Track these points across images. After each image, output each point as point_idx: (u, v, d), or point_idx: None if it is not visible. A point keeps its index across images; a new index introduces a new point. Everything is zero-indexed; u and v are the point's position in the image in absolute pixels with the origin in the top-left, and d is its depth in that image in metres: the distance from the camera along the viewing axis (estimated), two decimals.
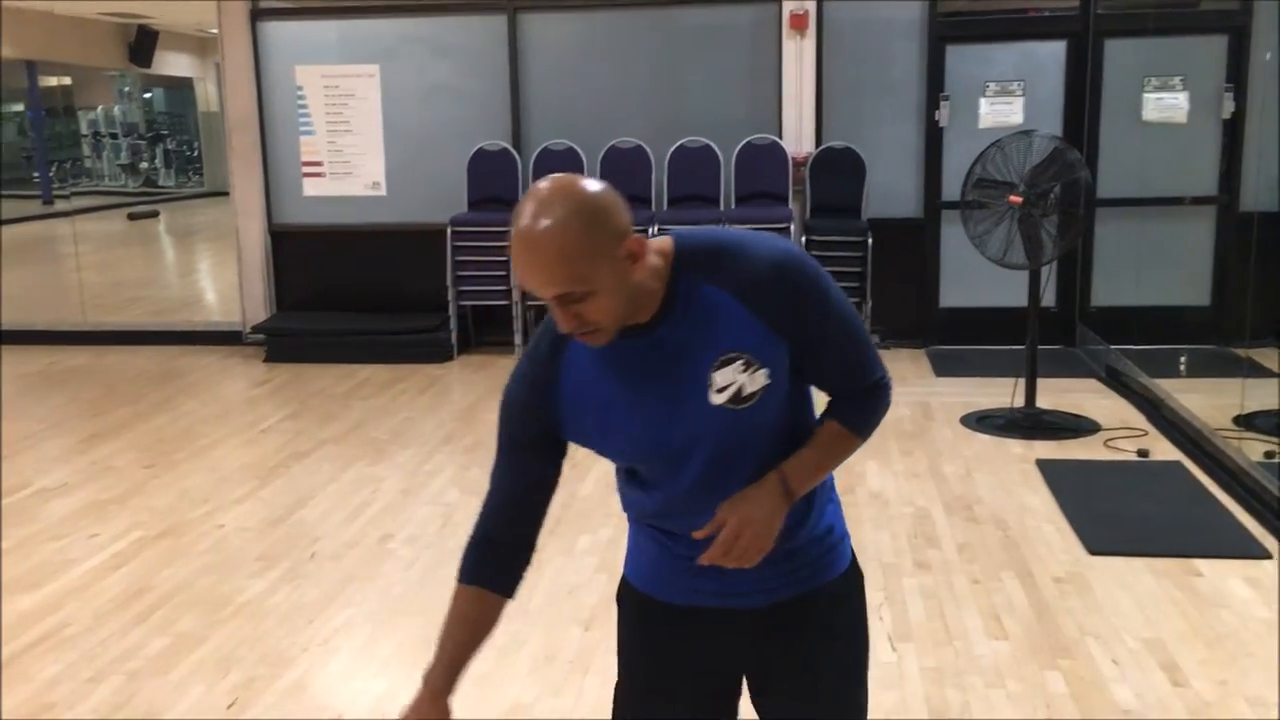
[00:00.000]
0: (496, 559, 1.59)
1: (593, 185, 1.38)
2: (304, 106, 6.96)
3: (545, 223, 1.34)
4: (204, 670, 3.10)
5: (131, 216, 14.15)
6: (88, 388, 6.25)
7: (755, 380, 1.49)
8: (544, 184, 1.38)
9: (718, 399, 1.49)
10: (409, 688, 2.95)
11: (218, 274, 11.19)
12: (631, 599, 1.71)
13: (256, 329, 6.93)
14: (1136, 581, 3.52)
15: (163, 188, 15.38)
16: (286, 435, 5.26)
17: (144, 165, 15.26)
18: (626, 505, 1.68)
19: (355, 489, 4.51)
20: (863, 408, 1.62)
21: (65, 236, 13.64)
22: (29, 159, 14.80)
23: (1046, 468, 4.53)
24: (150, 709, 2.91)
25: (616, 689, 1.76)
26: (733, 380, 1.48)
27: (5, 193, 14.64)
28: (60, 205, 14.71)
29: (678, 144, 6.67)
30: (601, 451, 1.57)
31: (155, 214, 14.39)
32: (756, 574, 1.58)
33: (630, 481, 1.63)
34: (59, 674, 3.09)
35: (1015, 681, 2.96)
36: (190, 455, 4.99)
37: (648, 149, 6.68)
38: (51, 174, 14.01)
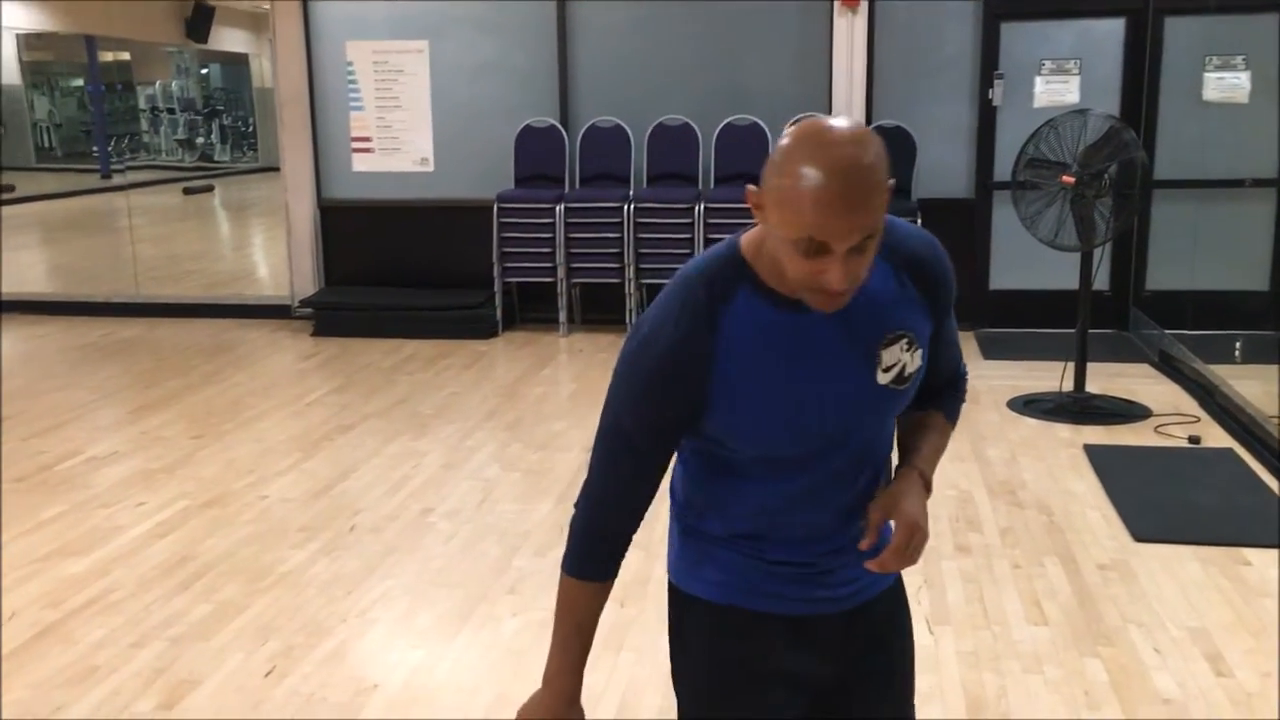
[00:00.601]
0: (616, 553, 1.51)
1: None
2: (354, 82, 6.99)
3: (868, 158, 1.22)
4: (244, 638, 3.14)
5: (187, 191, 14.34)
6: (139, 359, 6.35)
7: (914, 360, 1.43)
8: (834, 123, 1.25)
9: (884, 378, 1.40)
10: (446, 659, 3.00)
11: (270, 248, 11.31)
12: (707, 615, 1.53)
13: (305, 303, 7.00)
14: (1182, 569, 3.46)
15: (218, 163, 15.56)
16: (332, 408, 5.31)
17: (200, 140, 15.45)
18: (703, 510, 1.52)
19: (397, 463, 4.54)
20: (957, 398, 1.61)
21: (121, 210, 13.85)
22: (88, 133, 15.04)
23: (1094, 453, 4.46)
24: (190, 674, 2.95)
25: (691, 709, 1.59)
26: (898, 359, 1.41)
27: (65, 166, 14.90)
28: (117, 179, 14.93)
29: (725, 121, 6.62)
30: (739, 441, 1.42)
31: (210, 188, 14.57)
32: (848, 573, 1.51)
33: (726, 480, 1.48)
34: (104, 638, 3.14)
35: (1054, 667, 2.92)
36: (237, 426, 5.06)
37: (695, 126, 6.64)
38: (110, 148, 14.24)
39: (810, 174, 1.21)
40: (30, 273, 9.74)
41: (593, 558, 1.49)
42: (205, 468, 4.52)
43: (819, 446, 1.43)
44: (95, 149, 14.37)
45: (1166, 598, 3.28)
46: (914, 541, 1.42)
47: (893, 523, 1.45)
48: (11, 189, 13.48)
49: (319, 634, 3.16)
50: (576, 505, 1.52)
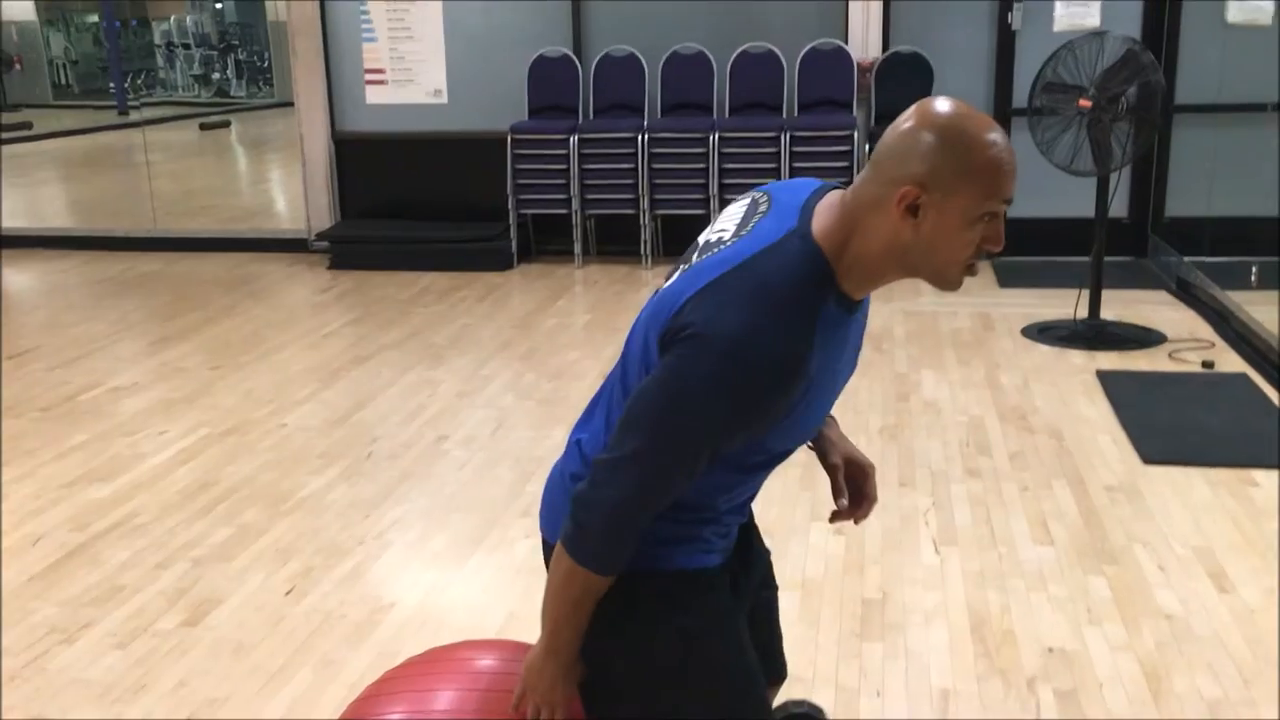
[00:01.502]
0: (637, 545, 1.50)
1: None
2: (366, 12, 6.95)
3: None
4: (264, 560, 3.22)
5: (203, 126, 14.32)
6: (158, 293, 6.41)
7: None
8: (957, 103, 1.36)
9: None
10: (459, 579, 3.07)
11: (286, 183, 11.32)
12: (697, 584, 1.56)
13: (321, 236, 7.03)
14: (1190, 491, 3.48)
15: (234, 98, 15.51)
16: (348, 340, 5.37)
17: (216, 76, 15.39)
18: (709, 495, 1.52)
19: (414, 392, 4.60)
20: None
21: (138, 146, 13.85)
22: (104, 70, 15.02)
23: (1107, 379, 4.47)
24: (213, 593, 3.03)
25: (717, 676, 1.58)
26: None
27: (82, 103, 14.90)
28: (134, 116, 14.91)
29: (740, 50, 6.56)
30: (776, 441, 1.46)
31: (227, 124, 14.55)
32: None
33: (742, 470, 1.50)
34: (128, 559, 3.23)
35: (1058, 585, 2.96)
36: (256, 358, 5.12)
37: (710, 55, 6.58)
38: (126, 85, 14.21)
39: (995, 151, 1.32)
40: (50, 208, 9.81)
41: (622, 557, 1.46)
42: (225, 398, 4.59)
43: (812, 434, 1.56)
44: (112, 85, 14.35)
45: (1173, 518, 3.31)
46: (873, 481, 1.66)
47: (842, 466, 1.67)
48: (29, 126, 13.50)
49: (337, 555, 3.24)
50: (602, 502, 1.43)
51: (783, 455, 1.52)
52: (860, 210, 1.37)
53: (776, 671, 1.86)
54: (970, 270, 1.39)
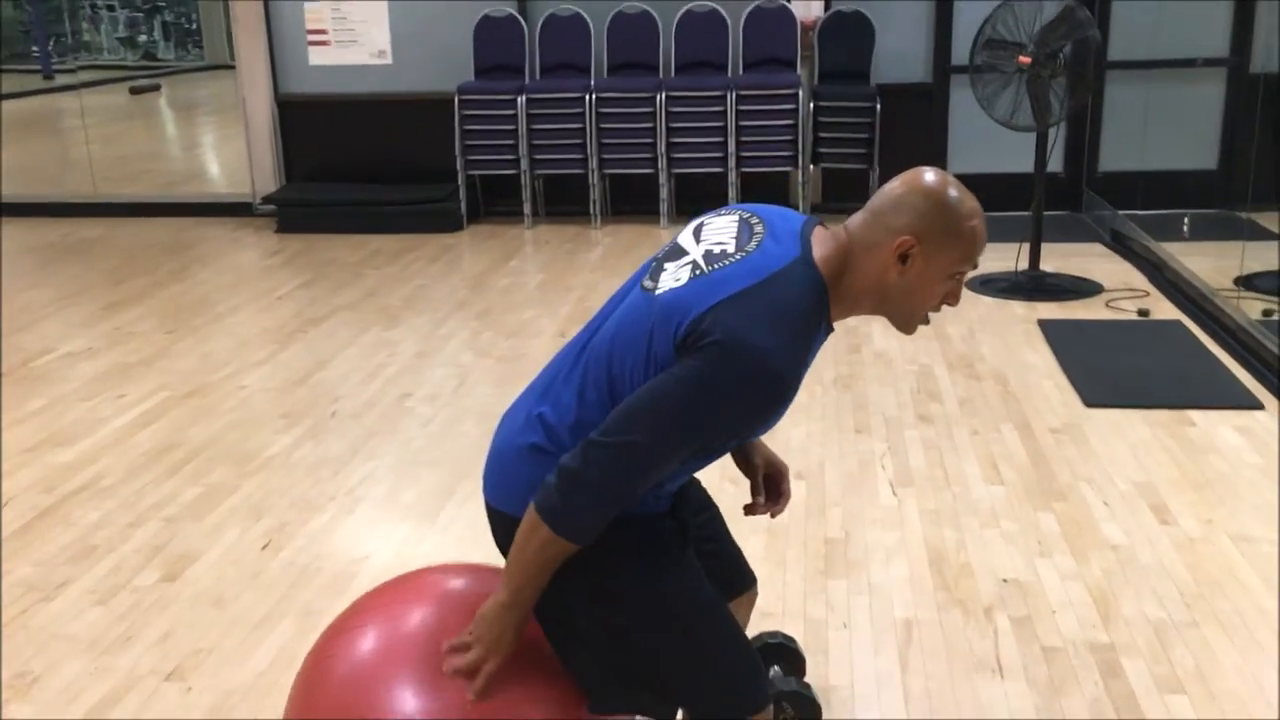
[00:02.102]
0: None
1: None
2: None
3: None
4: (237, 516, 3.26)
5: (133, 90, 14.01)
6: (103, 258, 6.33)
7: None
8: (947, 176, 1.60)
9: None
10: (433, 531, 3.13)
11: (223, 147, 11.16)
12: (644, 526, 1.68)
13: (267, 200, 6.97)
14: (1131, 431, 3.65)
15: (162, 60, 15.18)
16: (302, 302, 5.37)
17: (142, 38, 15.04)
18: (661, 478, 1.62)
19: (372, 352, 4.63)
20: None
21: (68, 110, 13.52)
22: (27, 33, 14.59)
23: (1048, 327, 4.63)
24: (189, 550, 3.07)
25: (677, 606, 1.68)
26: None
27: (6, 68, 14.48)
28: (60, 80, 14.54)
29: (685, 9, 6.60)
30: (753, 435, 1.68)
31: (157, 87, 14.25)
32: None
33: (702, 459, 1.63)
34: (100, 519, 3.25)
35: (1010, 522, 3.10)
36: (209, 321, 5.10)
37: (654, 14, 6.62)
38: (50, 48, 13.84)
39: (977, 222, 1.57)
40: None
41: (600, 529, 1.54)
42: (181, 361, 4.58)
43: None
44: (36, 49, 13.97)
45: (1115, 457, 3.47)
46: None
47: (762, 467, 1.90)
48: None
49: (309, 511, 3.28)
50: (595, 483, 1.50)
51: (720, 452, 1.68)
52: (859, 249, 1.58)
53: (744, 579, 1.96)
54: (926, 320, 1.65)
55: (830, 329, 1.62)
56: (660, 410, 1.48)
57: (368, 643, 1.69)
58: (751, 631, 2.47)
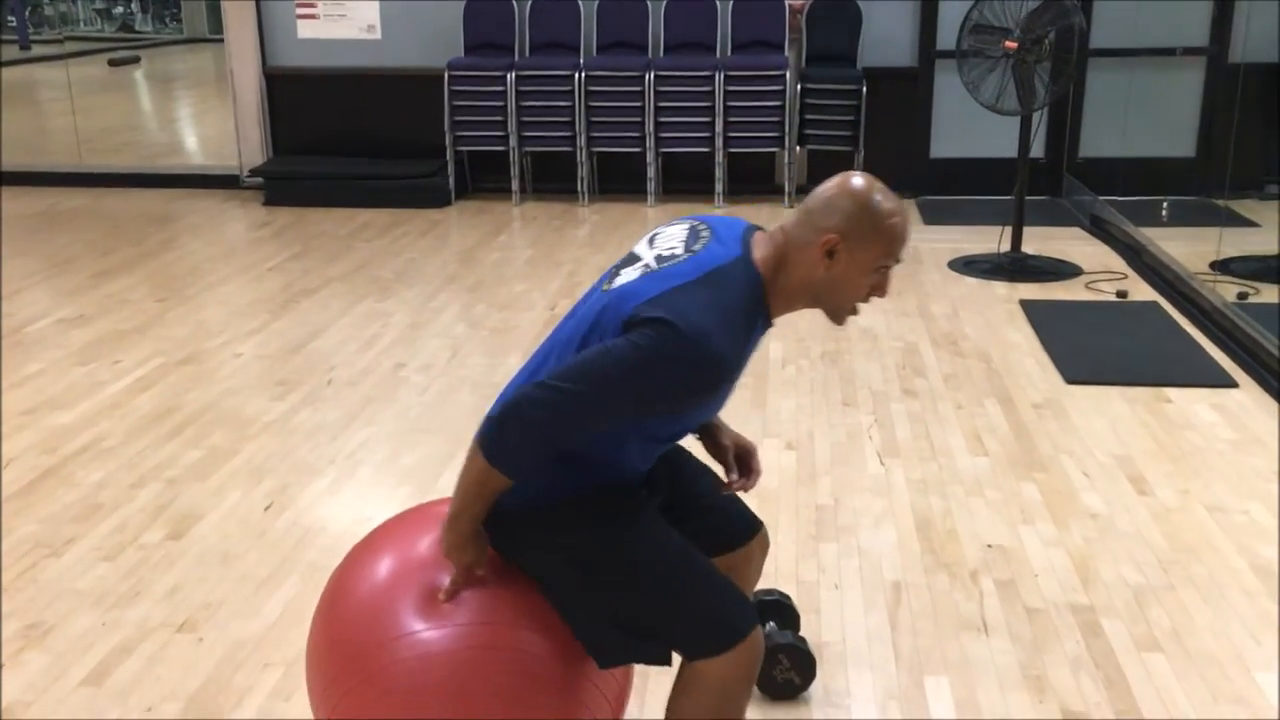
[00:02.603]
0: (545, 463, 1.72)
1: None
2: None
3: None
4: (238, 479, 3.31)
5: (112, 63, 13.90)
6: (91, 228, 6.34)
7: None
8: (871, 178, 1.75)
9: None
10: (433, 494, 3.19)
11: (205, 120, 11.12)
12: (614, 492, 1.81)
13: (254, 172, 6.99)
14: (1110, 407, 3.76)
15: (140, 33, 15.06)
16: (293, 274, 5.40)
17: (119, 10, 14.91)
18: (609, 464, 1.78)
19: (366, 322, 4.68)
20: None
21: (46, 82, 13.42)
22: (3, 4, 14.45)
23: (1029, 307, 4.74)
24: (192, 510, 3.12)
25: (654, 560, 1.80)
26: None
27: None
28: (39, 50, 14.41)
29: None
30: (686, 419, 1.77)
31: (136, 59, 14.14)
32: None
33: (654, 441, 1.79)
34: (103, 479, 3.30)
35: (993, 491, 3.20)
36: (201, 291, 5.13)
37: None
38: (26, 18, 13.72)
39: (899, 220, 1.73)
40: None
41: (521, 464, 1.67)
42: (175, 328, 4.62)
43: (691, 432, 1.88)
44: (11, 18, 13.84)
45: (1095, 431, 3.58)
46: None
47: (731, 448, 1.99)
48: None
49: (310, 474, 3.34)
50: (526, 417, 1.62)
51: (685, 434, 1.85)
52: (792, 247, 1.75)
53: (746, 528, 2.06)
54: (854, 310, 1.80)
55: (769, 323, 1.78)
56: (603, 368, 1.62)
57: (385, 565, 1.85)
58: (759, 583, 2.57)
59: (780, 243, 1.76)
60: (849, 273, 1.73)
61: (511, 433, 1.64)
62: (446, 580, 1.79)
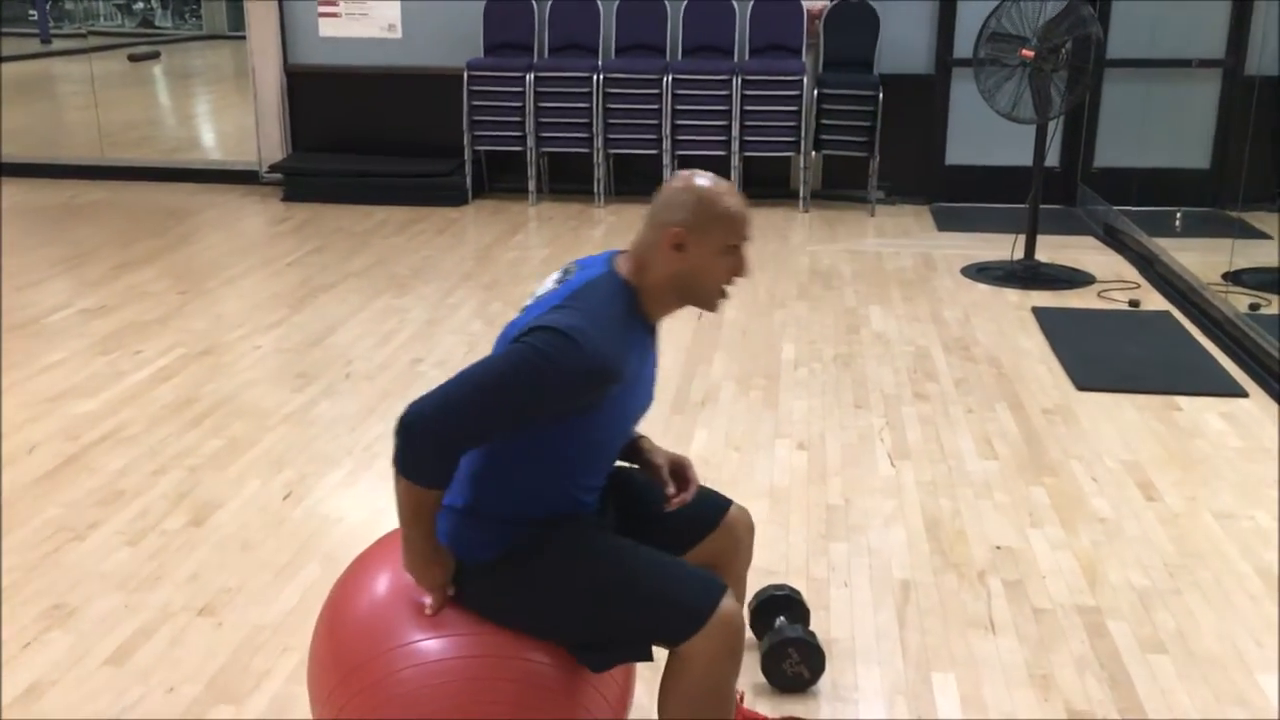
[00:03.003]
0: (455, 469, 1.78)
1: None
2: None
3: None
4: (258, 468, 3.37)
5: (132, 58, 13.99)
6: (112, 220, 6.41)
7: None
8: (718, 177, 1.88)
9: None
10: None
11: (224, 116, 11.21)
12: (566, 519, 1.89)
13: (274, 168, 7.05)
14: (1119, 414, 3.79)
15: (159, 29, 15.16)
16: (312, 269, 5.46)
17: (139, 5, 15.02)
18: (560, 492, 1.87)
19: (383, 318, 4.73)
20: None
21: (65, 76, 13.51)
22: None
23: (1041, 314, 4.77)
24: (213, 498, 3.18)
25: (624, 582, 1.86)
26: None
27: (4, 31, 14.46)
28: (59, 44, 14.52)
29: None
30: (589, 425, 1.83)
31: (156, 55, 14.24)
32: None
33: (565, 459, 1.85)
34: (125, 466, 3.35)
35: (1002, 494, 3.24)
36: (221, 284, 5.19)
37: None
38: (47, 12, 13.83)
39: (732, 200, 1.85)
40: None
41: (437, 473, 1.73)
42: (195, 320, 4.68)
43: (627, 434, 1.96)
44: (33, 13, 13.96)
45: (1104, 437, 3.61)
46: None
47: (665, 465, 2.05)
48: None
49: (329, 464, 3.39)
50: (422, 421, 1.70)
51: (598, 447, 1.89)
52: (645, 250, 1.87)
53: (717, 505, 2.13)
54: (723, 294, 1.90)
55: (652, 328, 1.91)
56: (485, 370, 1.74)
57: (387, 575, 1.91)
58: (757, 583, 2.61)
59: (639, 253, 1.88)
60: (702, 260, 1.84)
61: (413, 448, 1.71)
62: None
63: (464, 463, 1.86)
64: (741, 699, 2.23)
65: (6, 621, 2.59)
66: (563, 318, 1.74)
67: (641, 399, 1.94)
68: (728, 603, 1.82)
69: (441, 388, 1.74)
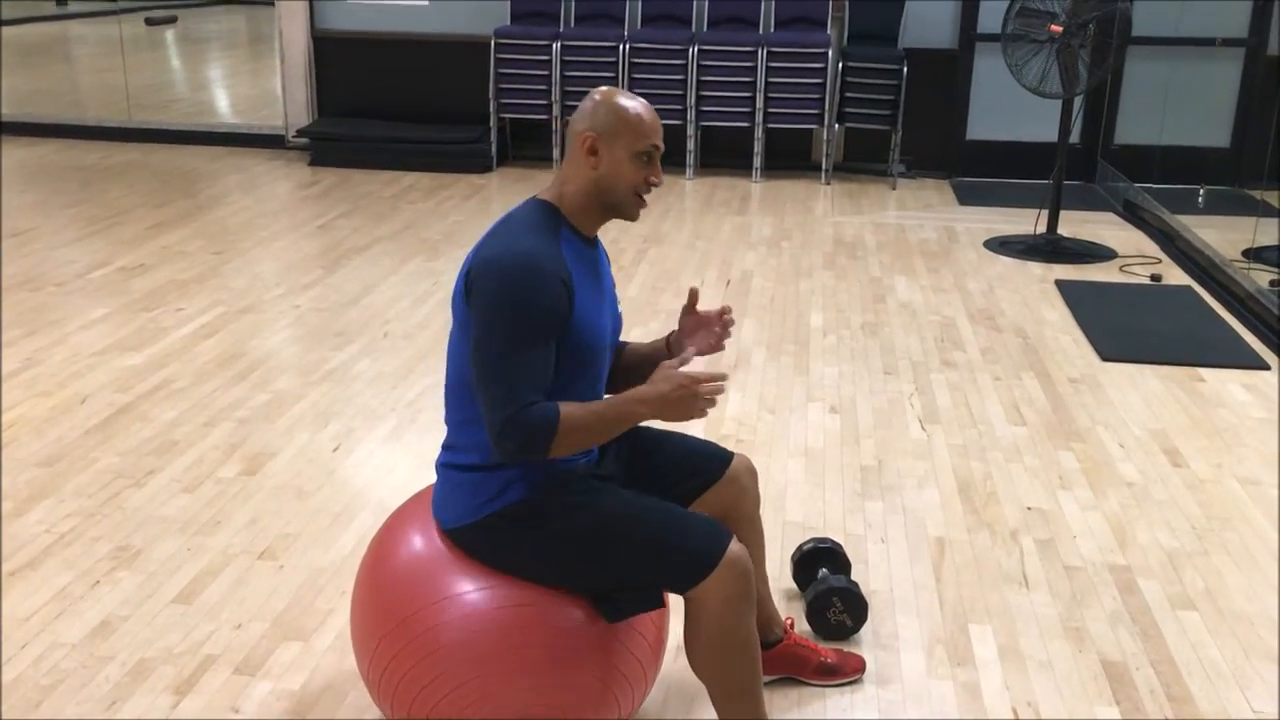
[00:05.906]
0: (552, 405, 1.84)
1: None
2: None
3: None
4: (306, 421, 3.45)
5: (149, 22, 14.00)
6: (143, 181, 6.47)
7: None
8: (626, 91, 1.98)
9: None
10: None
11: (244, 81, 11.25)
12: (568, 474, 1.97)
13: (301, 133, 7.11)
14: (1144, 384, 3.87)
15: None
16: (343, 231, 5.53)
17: None
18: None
19: (417, 280, 4.81)
20: None
21: (79, 38, 13.54)
22: None
23: (1064, 287, 4.84)
24: (265, 448, 3.27)
25: (621, 521, 1.94)
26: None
27: None
28: (75, 7, 14.54)
29: None
30: (580, 342, 1.90)
31: (173, 20, 14.25)
32: None
33: (562, 392, 1.89)
34: (176, 418, 3.44)
35: (1032, 458, 3.32)
36: (255, 245, 5.27)
37: None
38: None
39: (639, 105, 1.94)
40: (12, 96, 9.65)
41: (549, 427, 1.80)
42: (234, 280, 4.76)
43: (606, 353, 2.01)
44: None
45: (1130, 405, 3.69)
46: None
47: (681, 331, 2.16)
48: None
49: (375, 419, 3.48)
50: (502, 437, 1.80)
51: (581, 369, 1.93)
52: (565, 166, 1.97)
53: (719, 456, 2.19)
54: (641, 201, 1.97)
55: (588, 239, 1.98)
56: (489, 347, 1.81)
57: (425, 532, 2.01)
58: (796, 538, 2.70)
59: (560, 174, 1.98)
60: (615, 164, 1.92)
61: (527, 450, 1.81)
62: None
63: (458, 411, 1.95)
64: (791, 625, 2.33)
65: (72, 563, 2.68)
66: (497, 246, 1.86)
67: (608, 311, 2.01)
68: (735, 547, 1.90)
69: (484, 398, 1.82)
